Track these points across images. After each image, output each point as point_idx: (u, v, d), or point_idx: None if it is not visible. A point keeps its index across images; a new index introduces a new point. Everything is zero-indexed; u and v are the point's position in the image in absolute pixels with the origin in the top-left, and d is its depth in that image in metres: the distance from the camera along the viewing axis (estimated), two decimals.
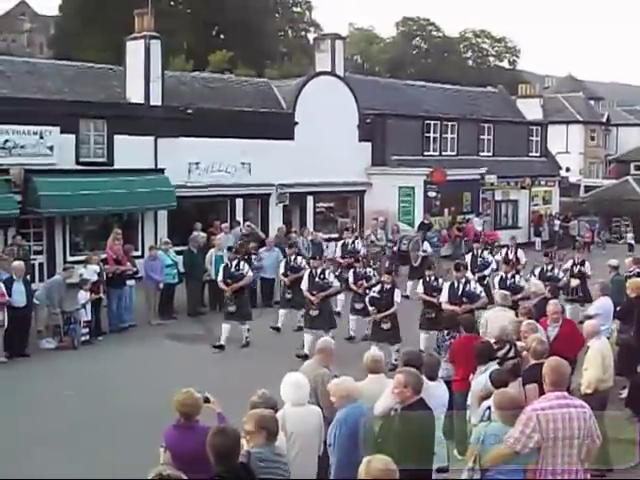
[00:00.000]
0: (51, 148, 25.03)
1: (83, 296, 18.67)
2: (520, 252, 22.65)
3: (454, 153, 37.64)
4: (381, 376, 9.31)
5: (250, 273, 19.09)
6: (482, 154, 38.81)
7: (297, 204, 32.25)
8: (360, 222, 33.81)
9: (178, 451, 7.43)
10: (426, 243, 26.44)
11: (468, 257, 21.80)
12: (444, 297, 16.18)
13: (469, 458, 7.84)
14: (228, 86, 32.57)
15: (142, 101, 27.59)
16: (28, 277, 20.02)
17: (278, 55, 70.78)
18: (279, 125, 31.05)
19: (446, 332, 14.10)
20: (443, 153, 37.14)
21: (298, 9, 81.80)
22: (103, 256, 20.44)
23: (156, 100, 27.71)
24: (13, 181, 24.17)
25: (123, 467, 10.85)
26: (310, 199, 32.76)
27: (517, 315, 12.92)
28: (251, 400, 7.68)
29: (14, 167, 24.24)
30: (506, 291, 15.89)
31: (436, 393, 9.19)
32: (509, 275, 17.85)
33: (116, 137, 26.59)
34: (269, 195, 31.09)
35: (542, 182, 41.51)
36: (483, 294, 16.29)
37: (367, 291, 17.64)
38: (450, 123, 37.64)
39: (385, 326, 16.41)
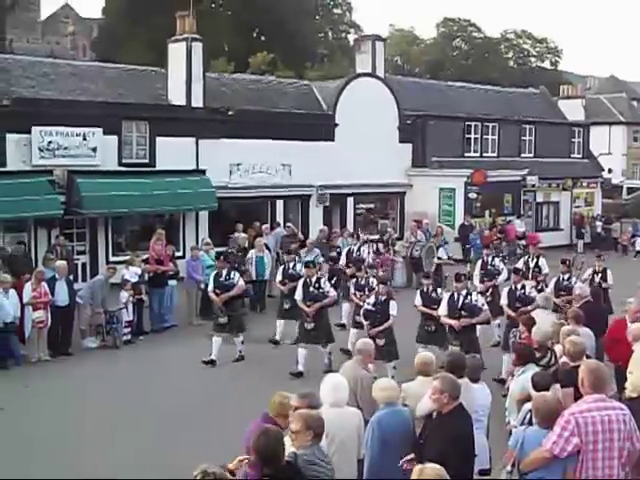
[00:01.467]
0: (94, 149, 25.34)
1: (124, 296, 18.91)
2: (542, 261, 20.19)
3: (495, 154, 37.40)
4: (430, 379, 9.29)
5: (241, 282, 17.81)
6: (523, 155, 38.55)
7: (337, 205, 32.28)
8: (400, 223, 33.77)
9: None
10: (441, 249, 25.01)
11: (478, 264, 20.25)
12: (443, 310, 14.94)
13: (507, 461, 7.82)
14: (269, 87, 32.74)
15: (184, 103, 27.82)
16: (71, 277, 20.29)
17: (318, 56, 70.81)
18: (320, 126, 31.16)
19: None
20: (484, 154, 36.93)
21: (338, 10, 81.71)
22: (145, 256, 20.66)
23: (197, 102, 27.92)
24: (57, 182, 24.48)
25: (162, 467, 10.98)
26: (350, 200, 32.77)
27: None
28: (292, 402, 7.64)
29: (58, 168, 24.56)
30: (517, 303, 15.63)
31: (479, 395, 9.20)
32: (518, 286, 16.26)
33: (158, 138, 26.84)
34: (309, 196, 31.17)
35: (584, 184, 41.07)
36: (485, 307, 15.01)
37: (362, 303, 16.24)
38: (491, 124, 37.40)
39: (380, 342, 14.68)
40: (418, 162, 34.63)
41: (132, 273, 19.56)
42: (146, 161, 26.88)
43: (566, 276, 17.74)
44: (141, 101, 27.35)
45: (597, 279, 19.40)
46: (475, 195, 33.42)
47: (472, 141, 36.76)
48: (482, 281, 19.10)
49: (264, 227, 26.05)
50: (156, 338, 19.58)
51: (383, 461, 7.97)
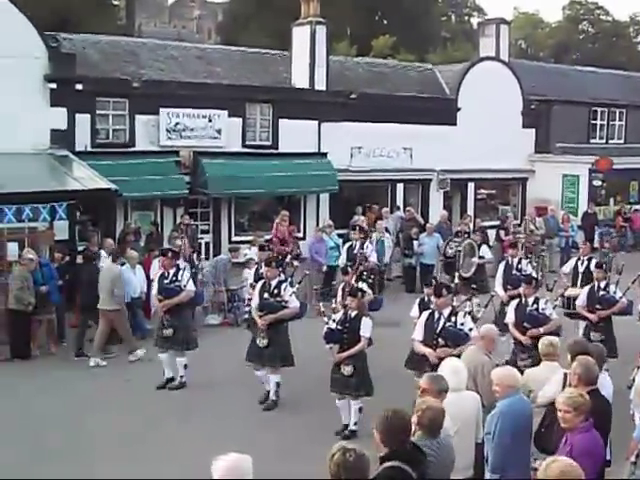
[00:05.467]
0: (219, 131, 25.82)
1: (248, 274, 19.23)
2: (594, 264, 15.70)
3: (622, 141, 36.51)
4: (554, 364, 9.18)
5: (191, 286, 14.67)
6: None
7: (458, 190, 32.07)
8: (521, 210, 33.29)
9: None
10: (484, 247, 20.85)
11: (500, 267, 16.76)
12: (418, 334, 11.49)
13: (631, 453, 7.70)
14: (391, 71, 32.65)
15: (307, 86, 28.05)
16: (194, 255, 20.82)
17: (440, 40, 70.18)
18: (442, 110, 30.89)
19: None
20: (610, 141, 36.11)
21: None
22: (268, 237, 20.99)
23: (321, 85, 28.10)
24: (183, 162, 25.07)
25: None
26: (471, 185, 32.47)
27: None
28: (420, 383, 7.62)
29: (184, 149, 25.15)
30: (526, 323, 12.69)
31: (602, 384, 9.05)
32: (530, 300, 12.92)
33: (281, 121, 27.13)
34: (430, 181, 31.01)
35: None
36: (475, 333, 11.04)
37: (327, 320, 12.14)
38: (618, 110, 36.50)
39: (346, 370, 11.70)
40: (541, 148, 34.03)
41: (254, 252, 19.89)
42: (269, 143, 27.23)
43: (602, 284, 14.46)
44: (265, 84, 27.66)
45: None
46: (600, 182, 32.65)
47: (598, 127, 35.98)
48: (505, 289, 15.80)
49: (384, 210, 26.13)
50: None
51: (513, 450, 7.91)
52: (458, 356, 10.32)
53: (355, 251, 18.52)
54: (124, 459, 10.96)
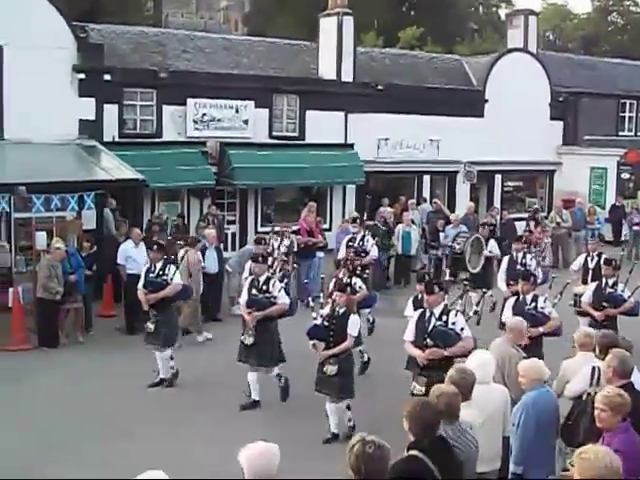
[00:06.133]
0: (246, 122, 25.88)
1: None
2: (603, 260, 14.97)
3: None
4: (591, 355, 9.12)
5: (177, 280, 14.08)
6: None
7: (484, 182, 31.94)
8: (549, 202, 33.14)
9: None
10: (492, 242, 19.66)
11: (504, 262, 16.36)
12: (409, 334, 10.55)
13: None
14: (418, 62, 32.57)
15: (334, 77, 28.04)
16: (221, 246, 20.89)
17: (468, 31, 69.86)
18: (469, 102, 30.81)
19: None
20: (639, 133, 35.82)
21: None
22: (294, 228, 21.03)
23: (347, 76, 28.08)
24: (210, 153, 25.14)
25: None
26: (498, 178, 32.36)
27: None
28: (450, 374, 7.55)
29: (211, 140, 25.22)
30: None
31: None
32: (528, 298, 12.11)
33: (308, 112, 27.17)
34: (457, 173, 30.92)
35: None
36: (467, 334, 10.37)
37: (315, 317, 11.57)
38: None
39: (329, 370, 11.14)
40: (569, 140, 33.86)
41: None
42: (296, 134, 27.28)
43: (610, 281, 13.92)
44: (292, 75, 27.69)
45: None
46: (628, 175, 32.47)
47: (627, 119, 35.70)
48: (509, 285, 15.26)
49: (410, 202, 26.07)
50: (301, 307, 19.76)
51: (537, 442, 7.87)
52: (449, 357, 10.07)
53: (355, 245, 17.34)
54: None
